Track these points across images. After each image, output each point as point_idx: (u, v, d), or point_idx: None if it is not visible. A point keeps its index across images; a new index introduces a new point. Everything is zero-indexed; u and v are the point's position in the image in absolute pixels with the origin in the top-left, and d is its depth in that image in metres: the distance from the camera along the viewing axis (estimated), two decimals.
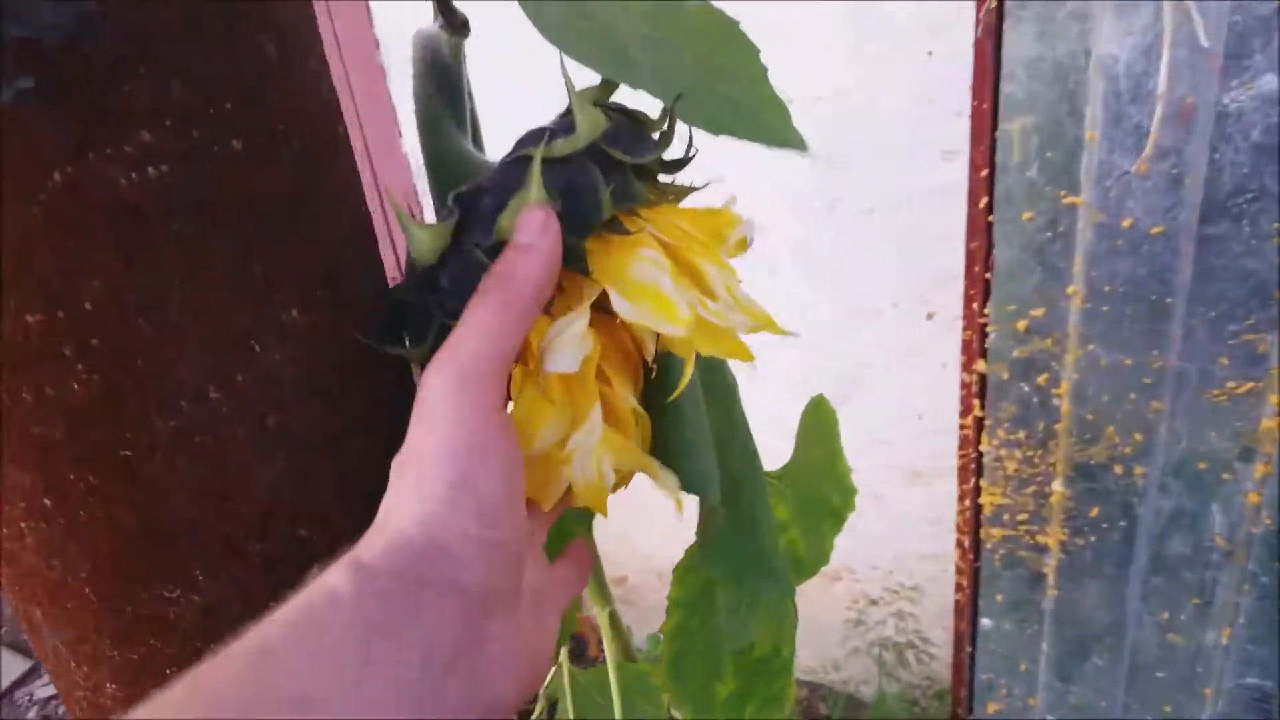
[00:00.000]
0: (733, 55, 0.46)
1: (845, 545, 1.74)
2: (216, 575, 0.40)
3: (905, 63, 1.23)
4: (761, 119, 0.44)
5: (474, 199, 0.37)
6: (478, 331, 0.35)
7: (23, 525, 0.37)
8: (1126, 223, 0.91)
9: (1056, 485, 1.07)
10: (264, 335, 0.36)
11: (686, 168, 0.42)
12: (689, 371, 0.42)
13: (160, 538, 0.38)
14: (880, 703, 1.57)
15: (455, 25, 0.47)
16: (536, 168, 0.36)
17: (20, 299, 0.32)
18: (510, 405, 0.39)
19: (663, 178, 0.42)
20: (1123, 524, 1.06)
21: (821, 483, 0.82)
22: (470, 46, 0.51)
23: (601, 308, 0.38)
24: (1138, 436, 1.00)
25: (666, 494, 0.47)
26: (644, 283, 0.37)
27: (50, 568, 0.38)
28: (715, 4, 0.46)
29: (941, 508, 1.56)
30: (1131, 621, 1.12)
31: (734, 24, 0.46)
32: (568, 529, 0.72)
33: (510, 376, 0.38)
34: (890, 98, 1.28)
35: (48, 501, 0.36)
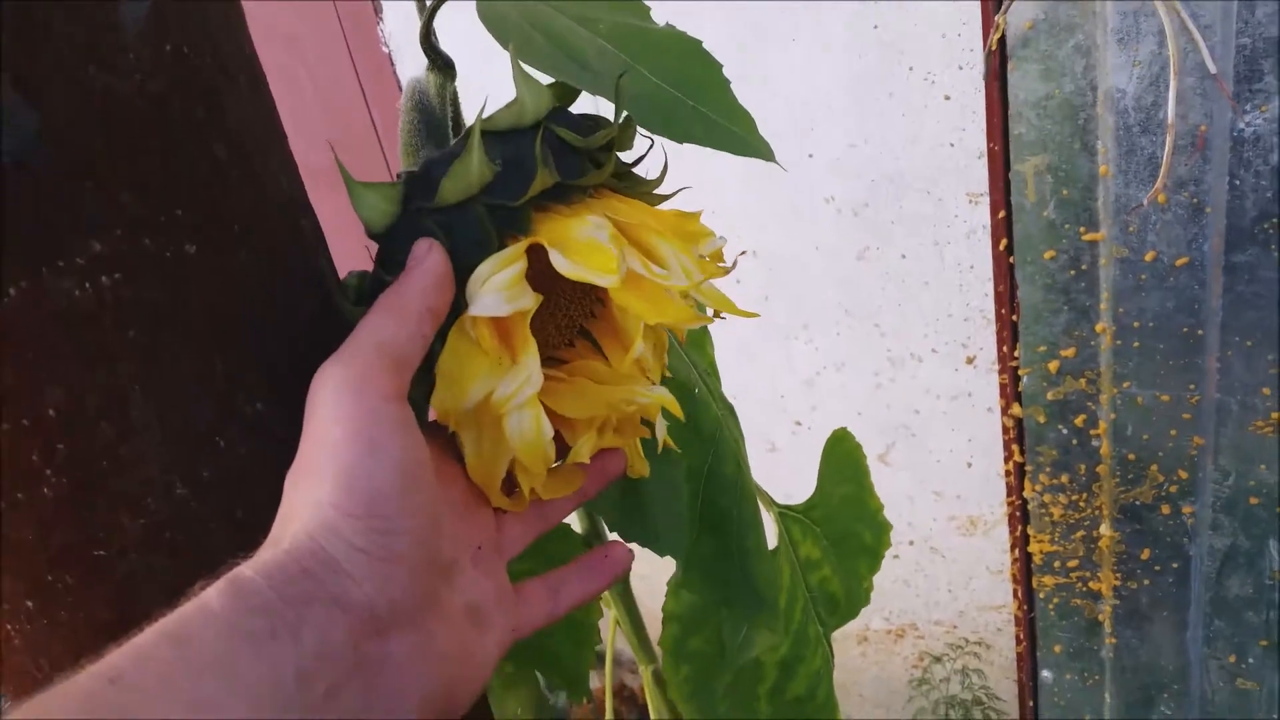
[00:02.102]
0: (696, 68, 0.47)
1: (907, 601, 1.71)
2: None
3: (924, 107, 1.23)
4: (728, 128, 0.45)
5: (424, 168, 0.39)
6: (364, 332, 0.35)
7: (9, 627, 0.38)
8: (1149, 256, 0.89)
9: (1104, 529, 1.04)
10: (228, 430, 0.37)
11: (692, 205, 0.43)
12: (638, 340, 0.42)
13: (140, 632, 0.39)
14: None
15: (440, 66, 0.50)
16: (476, 135, 0.37)
17: None
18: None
19: (631, 179, 0.43)
20: (1175, 565, 1.02)
21: (852, 520, 0.81)
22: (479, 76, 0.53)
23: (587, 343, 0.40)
24: (1183, 474, 0.97)
25: (651, 413, 0.46)
26: (584, 240, 0.37)
27: (38, 667, 0.39)
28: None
29: (1001, 556, 1.52)
30: (1196, 667, 1.08)
31: (697, 42, 0.47)
32: (560, 551, 0.72)
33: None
34: (912, 143, 1.28)
35: (30, 603, 0.37)
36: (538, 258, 0.38)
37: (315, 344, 0.41)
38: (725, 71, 0.46)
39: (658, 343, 0.48)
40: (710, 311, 0.46)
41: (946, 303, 1.36)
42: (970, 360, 1.36)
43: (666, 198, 0.45)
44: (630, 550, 0.46)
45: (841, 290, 1.47)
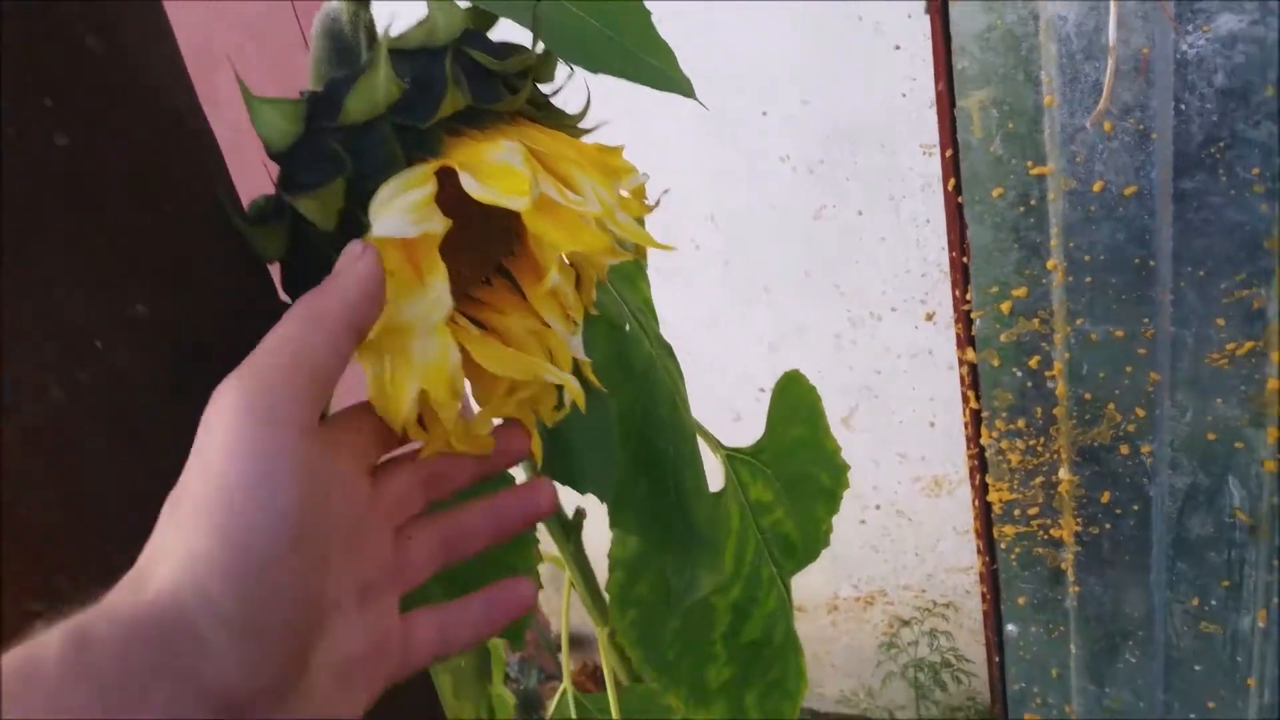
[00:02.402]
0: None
1: (875, 568, 1.70)
2: (81, 587, 0.37)
3: (875, 58, 1.21)
4: (647, 61, 0.45)
5: (328, 86, 0.37)
6: (275, 343, 0.30)
7: None
8: (1098, 186, 0.87)
9: (1063, 473, 1.02)
10: (106, 332, 0.34)
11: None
12: (552, 270, 0.40)
13: (23, 547, 0.36)
14: None
15: None
16: (383, 51, 0.35)
17: None
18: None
19: (552, 110, 0.41)
20: (1136, 507, 1.00)
21: (807, 462, 0.79)
22: None
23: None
24: (1140, 412, 0.95)
25: (570, 391, 0.44)
26: (496, 163, 0.35)
27: None
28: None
29: (967, 516, 1.50)
30: (1160, 612, 1.06)
31: None
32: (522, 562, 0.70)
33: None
34: (864, 96, 1.26)
35: None
36: (452, 185, 0.36)
37: (204, 253, 0.38)
38: (677, 30, 0.45)
39: (584, 279, 0.47)
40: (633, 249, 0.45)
41: (904, 258, 1.34)
42: (929, 316, 1.35)
43: (588, 132, 0.43)
44: (532, 584, 0.41)
45: (800, 250, 1.45)
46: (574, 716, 0.84)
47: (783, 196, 1.43)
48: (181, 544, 0.27)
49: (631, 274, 0.73)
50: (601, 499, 0.54)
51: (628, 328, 0.63)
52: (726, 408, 1.67)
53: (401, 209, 0.34)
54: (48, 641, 0.25)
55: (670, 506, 0.59)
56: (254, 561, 0.27)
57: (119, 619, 0.26)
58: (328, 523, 0.30)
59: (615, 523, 0.50)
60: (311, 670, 0.29)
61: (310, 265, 0.39)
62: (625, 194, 0.43)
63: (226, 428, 0.28)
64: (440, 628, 0.37)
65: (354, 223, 0.36)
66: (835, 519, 0.79)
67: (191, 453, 0.29)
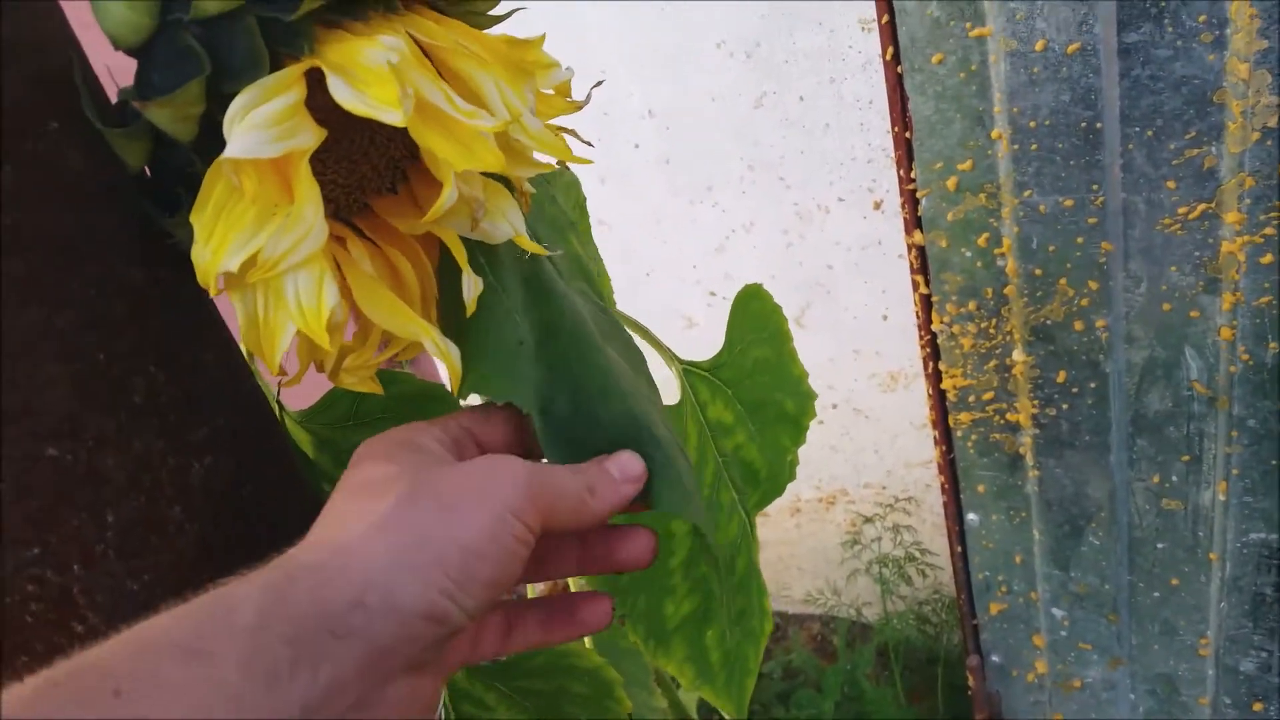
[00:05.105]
0: None
1: (835, 468, 1.68)
2: None
3: None
4: None
5: None
6: (547, 474, 0.35)
7: None
8: (1040, 45, 0.82)
9: (1017, 354, 0.98)
10: None
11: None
12: (448, 190, 0.34)
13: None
14: (884, 625, 1.49)
15: None
16: None
17: None
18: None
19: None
20: (1093, 385, 0.97)
21: (770, 387, 0.73)
22: None
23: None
24: (1093, 285, 0.91)
25: (445, 367, 0.40)
26: (373, 64, 0.30)
27: None
28: None
29: (924, 410, 1.47)
30: (1121, 492, 1.04)
31: None
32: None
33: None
34: None
35: None
36: None
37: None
38: None
39: (520, 192, 0.42)
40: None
41: (849, 145, 1.28)
42: (877, 205, 1.30)
43: (501, 20, 0.38)
44: (609, 610, 0.44)
45: (742, 143, 1.39)
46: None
47: (721, 86, 1.36)
48: (381, 528, 0.31)
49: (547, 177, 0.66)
50: (524, 408, 0.49)
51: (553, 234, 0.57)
52: (678, 315, 1.62)
53: (259, 123, 0.29)
54: (240, 594, 0.28)
55: (589, 427, 0.54)
56: (481, 585, 0.32)
57: (320, 582, 0.29)
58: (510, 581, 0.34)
59: (544, 450, 0.46)
60: (440, 661, 0.34)
61: (174, 178, 0.34)
62: (547, 92, 0.38)
63: (479, 494, 0.33)
64: (503, 628, 0.41)
65: (219, 132, 0.30)
66: None
67: (425, 462, 0.35)
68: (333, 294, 0.33)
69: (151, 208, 0.35)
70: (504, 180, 0.41)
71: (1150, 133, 0.82)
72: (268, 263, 0.32)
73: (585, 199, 0.73)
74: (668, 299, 1.62)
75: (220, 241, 0.31)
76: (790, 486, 0.73)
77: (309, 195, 0.31)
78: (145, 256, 0.35)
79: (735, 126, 1.36)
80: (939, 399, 1.08)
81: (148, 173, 0.35)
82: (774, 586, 1.78)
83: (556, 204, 0.62)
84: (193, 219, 0.32)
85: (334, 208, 0.39)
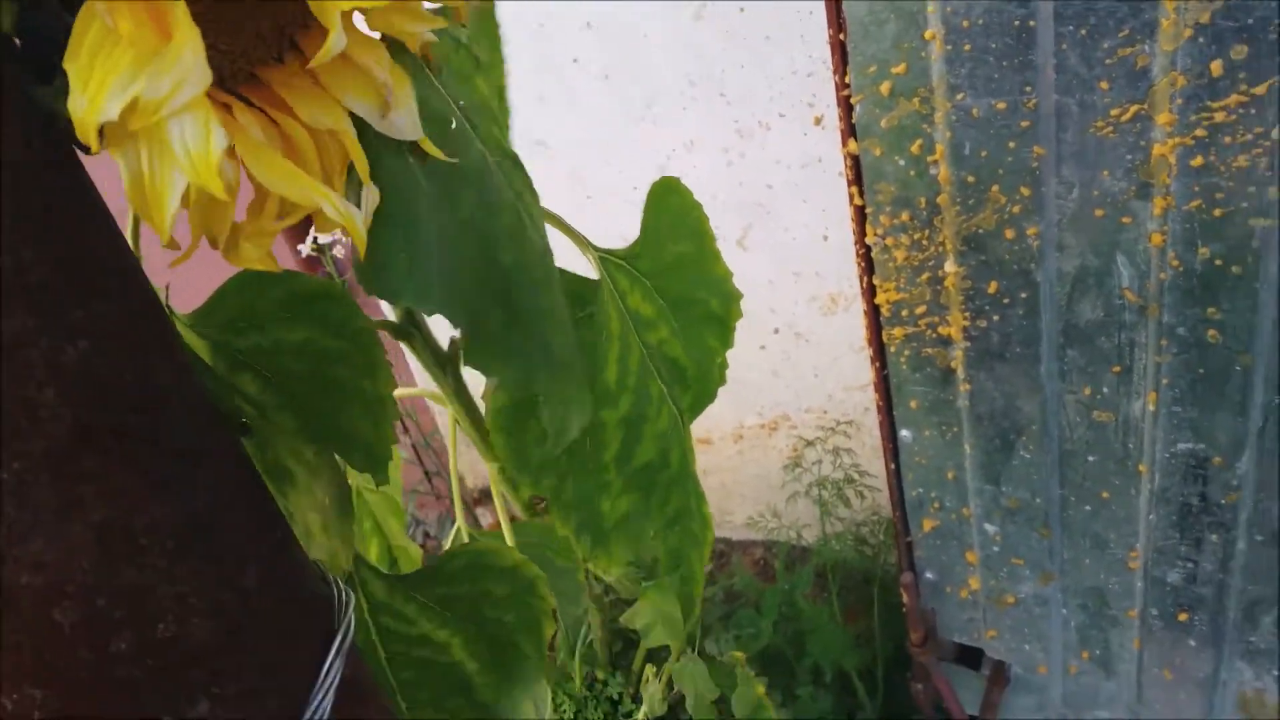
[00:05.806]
0: None
1: (777, 393, 1.67)
2: None
3: None
4: None
5: None
6: None
7: None
8: None
9: (949, 265, 0.97)
10: None
11: None
12: (335, 33, 0.32)
13: None
14: (823, 546, 1.50)
15: None
16: None
17: None
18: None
19: None
20: (1024, 295, 0.96)
21: (693, 285, 0.71)
22: None
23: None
24: (1025, 191, 0.90)
25: (349, 230, 0.37)
26: None
27: None
28: None
29: (863, 332, 1.46)
30: (1052, 404, 1.03)
31: None
32: None
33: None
34: None
35: None
36: None
37: None
38: None
39: (397, 67, 0.39)
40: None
41: (790, 58, 1.25)
42: (818, 120, 1.28)
43: None
44: None
45: (683, 58, 1.36)
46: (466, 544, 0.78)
47: None
48: None
49: (466, 72, 0.63)
50: (429, 312, 0.46)
51: (453, 124, 0.55)
52: (620, 238, 1.60)
53: None
54: None
55: (526, 334, 0.52)
56: None
57: None
58: None
59: (470, 360, 0.43)
60: None
61: (48, 45, 0.31)
62: None
63: None
64: None
65: None
66: (737, 347, 0.73)
67: None
68: (221, 137, 0.31)
69: (25, 77, 0.32)
70: (400, 45, 0.39)
71: (1083, 31, 0.80)
72: (149, 105, 0.29)
73: (498, 26, 0.70)
74: (609, 222, 1.59)
75: (98, 87, 0.29)
76: (734, 414, 0.71)
77: (188, 36, 0.29)
78: (13, 133, 0.33)
79: (676, 39, 1.33)
80: (874, 315, 1.07)
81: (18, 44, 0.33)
82: (717, 513, 1.78)
83: (463, 48, 0.59)
84: (66, 65, 0.29)
85: (219, 76, 0.36)
